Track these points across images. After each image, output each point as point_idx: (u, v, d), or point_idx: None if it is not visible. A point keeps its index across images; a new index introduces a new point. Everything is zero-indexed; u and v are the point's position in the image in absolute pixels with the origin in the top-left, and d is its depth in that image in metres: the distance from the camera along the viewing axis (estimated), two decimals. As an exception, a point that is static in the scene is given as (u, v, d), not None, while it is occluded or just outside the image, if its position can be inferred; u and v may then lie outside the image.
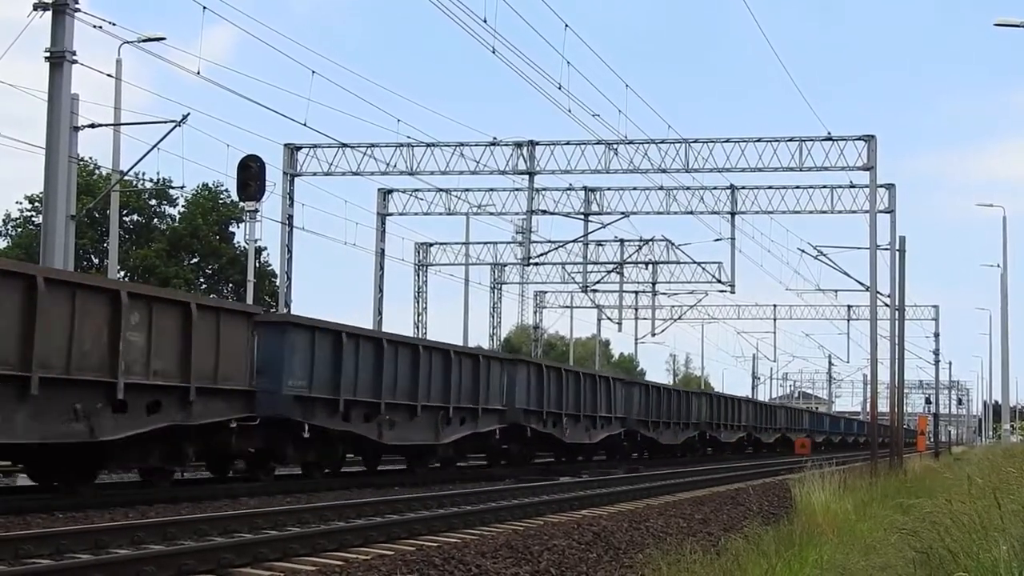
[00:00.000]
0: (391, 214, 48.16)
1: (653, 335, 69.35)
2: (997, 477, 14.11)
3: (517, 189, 46.66)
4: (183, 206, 69.53)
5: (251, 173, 34.15)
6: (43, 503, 16.22)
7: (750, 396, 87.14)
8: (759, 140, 39.89)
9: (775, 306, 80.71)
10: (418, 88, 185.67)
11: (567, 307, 72.23)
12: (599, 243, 55.68)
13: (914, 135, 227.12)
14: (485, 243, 58.30)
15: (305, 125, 32.88)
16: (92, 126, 32.63)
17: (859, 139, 39.27)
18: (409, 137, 40.06)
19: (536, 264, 53.95)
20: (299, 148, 41.61)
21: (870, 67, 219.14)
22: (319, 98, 71.88)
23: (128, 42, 32.95)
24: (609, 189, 47.23)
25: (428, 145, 41.14)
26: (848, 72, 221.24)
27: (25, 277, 15.82)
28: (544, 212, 46.70)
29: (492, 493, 20.91)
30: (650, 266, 59.19)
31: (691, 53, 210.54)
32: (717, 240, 47.46)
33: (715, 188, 45.41)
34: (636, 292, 66.29)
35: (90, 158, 58.39)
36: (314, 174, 41.88)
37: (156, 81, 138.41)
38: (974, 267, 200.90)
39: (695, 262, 55.16)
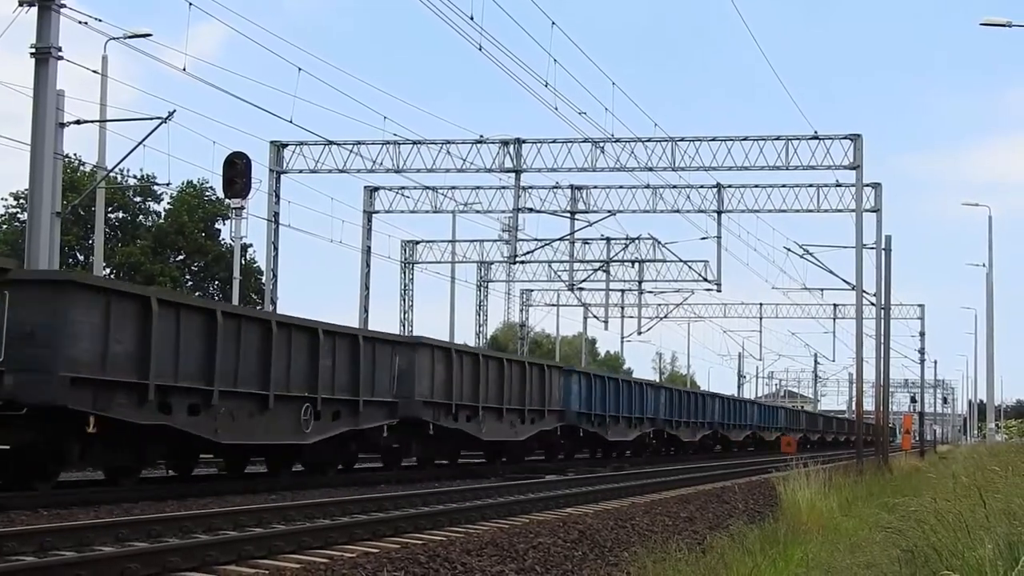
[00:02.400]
0: (377, 212, 48.18)
1: (639, 333, 69.45)
2: (982, 476, 14.14)
3: (503, 187, 46.71)
4: (168, 203, 69.41)
5: (237, 170, 34.14)
6: (28, 501, 16.18)
7: (736, 395, 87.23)
8: (745, 139, 39.99)
9: (761, 305, 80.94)
10: (404, 86, 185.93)
11: (553, 305, 72.35)
12: (585, 241, 55.71)
13: (901, 134, 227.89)
14: (471, 241, 58.36)
15: (291, 122, 32.88)
16: (78, 122, 32.59)
17: (845, 138, 39.38)
18: (395, 135, 40.14)
19: (522, 262, 53.94)
20: (285, 145, 41.59)
21: (857, 66, 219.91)
22: (305, 95, 71.83)
23: (114, 38, 32.90)
24: (595, 187, 47.33)
25: (415, 143, 41.16)
26: (835, 71, 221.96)
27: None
28: (530, 210, 46.73)
29: (478, 491, 20.91)
30: (636, 264, 59.25)
31: (678, 51, 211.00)
32: (703, 238, 47.60)
33: (701, 186, 45.48)
34: (622, 290, 66.32)
35: (75, 154, 58.29)
36: (300, 171, 41.91)
37: (142, 78, 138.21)
38: (960, 266, 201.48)
39: (681, 260, 55.30)
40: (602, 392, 39.55)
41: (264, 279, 48.17)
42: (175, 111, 31.10)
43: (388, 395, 25.19)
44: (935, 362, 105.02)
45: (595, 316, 68.52)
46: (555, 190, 47.02)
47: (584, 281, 59.45)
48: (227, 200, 42.20)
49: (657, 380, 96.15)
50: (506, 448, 32.71)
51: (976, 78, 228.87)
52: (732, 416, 57.78)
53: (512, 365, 32.22)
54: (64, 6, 25.11)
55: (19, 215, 63.04)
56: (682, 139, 40.38)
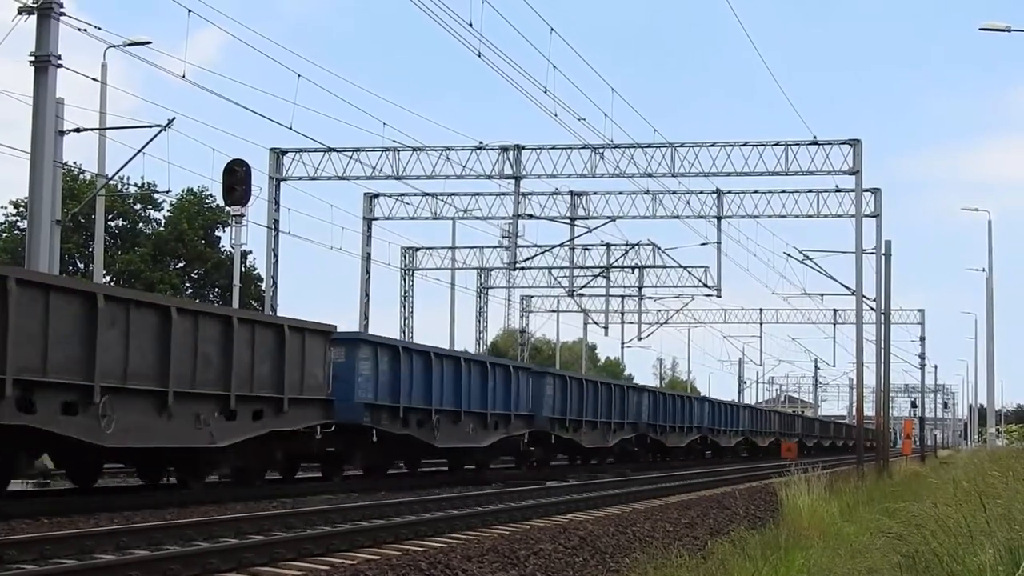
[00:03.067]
0: (377, 218, 48.19)
1: (639, 339, 69.55)
2: (983, 481, 14.15)
3: (503, 193, 46.73)
4: (168, 210, 69.40)
5: (237, 177, 34.13)
6: (29, 508, 16.17)
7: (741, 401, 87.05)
8: (745, 144, 40.00)
9: (761, 310, 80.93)
10: (404, 90, 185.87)
11: (553, 311, 72.33)
12: (585, 247, 55.77)
13: (900, 136, 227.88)
14: (471, 247, 58.34)
15: (291, 129, 32.89)
16: (77, 130, 32.57)
17: (844, 143, 39.40)
18: (395, 141, 40.15)
19: (522, 268, 53.95)
20: (285, 152, 41.63)
21: (856, 70, 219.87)
22: (305, 102, 71.86)
23: (113, 46, 32.93)
24: (595, 193, 47.32)
25: (414, 149, 41.18)
26: (834, 75, 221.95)
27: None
28: (530, 216, 46.74)
29: (479, 497, 20.90)
30: (636, 270, 59.21)
31: (677, 57, 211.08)
32: (703, 244, 47.59)
33: (701, 192, 45.52)
34: (622, 296, 66.37)
35: (75, 162, 58.27)
36: (300, 178, 41.95)
37: (142, 85, 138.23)
38: (960, 271, 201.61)
39: (681, 266, 55.30)
40: (425, 377, 27.33)
41: (264, 286, 48.15)
42: (175, 118, 31.16)
43: None
44: (935, 367, 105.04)
45: (595, 322, 68.58)
46: (555, 196, 47.07)
47: (584, 287, 59.49)
48: (227, 207, 42.23)
49: (658, 385, 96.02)
50: (193, 458, 20.24)
51: (975, 78, 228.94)
52: (670, 416, 46.61)
53: (201, 320, 19.58)
54: (64, 14, 25.15)
55: (19, 223, 63.03)
56: (681, 145, 40.40)
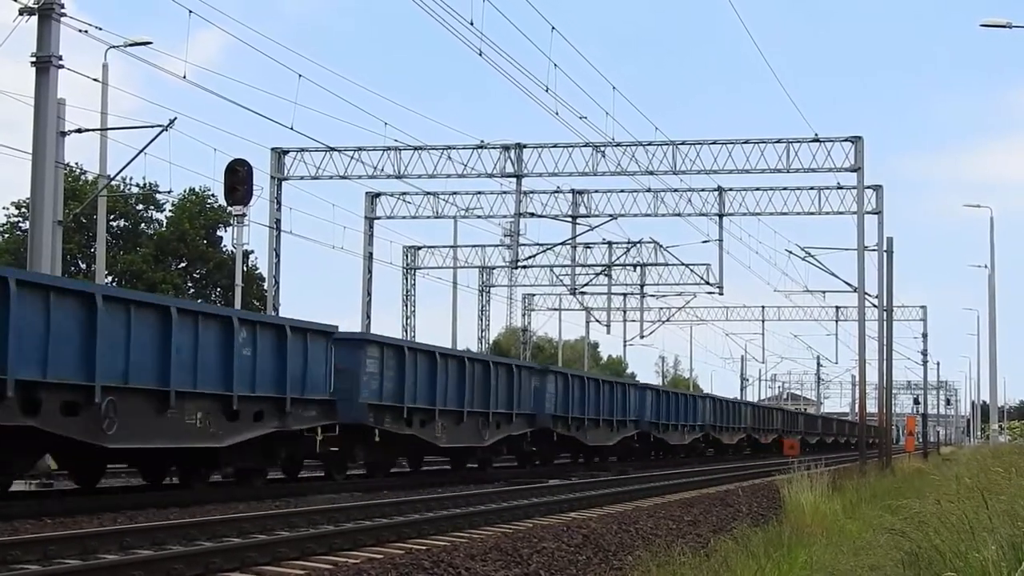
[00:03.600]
0: (379, 217, 48.18)
1: (642, 337, 69.51)
2: (985, 477, 14.16)
3: (505, 192, 46.74)
4: (170, 211, 69.39)
5: (238, 177, 34.12)
6: (33, 508, 16.18)
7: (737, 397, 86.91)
8: (746, 142, 40.01)
9: (763, 307, 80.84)
10: (405, 89, 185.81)
11: (555, 309, 72.32)
12: (587, 245, 55.73)
13: (902, 135, 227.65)
14: (473, 246, 58.37)
15: (292, 129, 32.89)
16: (79, 131, 32.52)
17: (846, 140, 39.41)
18: (396, 140, 40.16)
19: (524, 267, 53.91)
20: (286, 152, 41.65)
21: (858, 68, 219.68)
22: (306, 102, 71.79)
23: (114, 46, 32.90)
24: (597, 191, 47.30)
25: (416, 148, 41.19)
26: (835, 73, 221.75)
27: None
28: (532, 215, 46.74)
29: (481, 496, 20.90)
30: (638, 268, 59.18)
31: (678, 55, 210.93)
32: (705, 242, 47.54)
33: (703, 190, 45.51)
34: (624, 294, 66.36)
35: (77, 163, 58.34)
36: (301, 178, 41.98)
37: (143, 85, 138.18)
38: (962, 267, 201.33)
39: (683, 264, 55.21)
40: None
41: (266, 286, 48.17)
42: (176, 119, 31.10)
43: None
44: (938, 363, 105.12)
45: (597, 320, 68.59)
46: (556, 194, 47.04)
47: (586, 285, 59.45)
48: (229, 207, 42.25)
49: (661, 384, 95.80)
50: None
51: (978, 79, 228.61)
52: (593, 407, 37.08)
53: None
54: (64, 15, 25.15)
55: (21, 224, 63.04)
56: (683, 142, 40.40)
